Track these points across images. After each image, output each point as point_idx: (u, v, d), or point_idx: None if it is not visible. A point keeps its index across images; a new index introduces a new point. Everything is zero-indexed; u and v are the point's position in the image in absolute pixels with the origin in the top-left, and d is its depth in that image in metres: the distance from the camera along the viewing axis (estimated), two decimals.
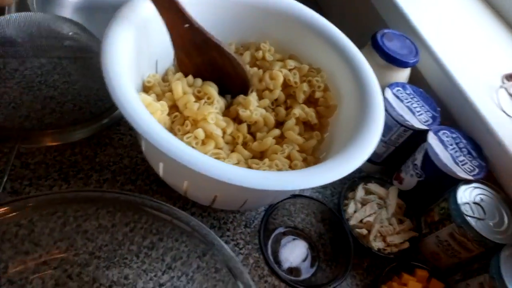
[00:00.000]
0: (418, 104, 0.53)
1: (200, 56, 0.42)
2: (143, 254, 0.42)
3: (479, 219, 0.45)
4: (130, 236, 0.42)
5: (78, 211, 0.41)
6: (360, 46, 0.51)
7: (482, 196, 0.47)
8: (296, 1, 0.49)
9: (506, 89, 0.56)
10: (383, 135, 0.53)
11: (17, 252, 0.37)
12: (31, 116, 0.46)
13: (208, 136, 0.41)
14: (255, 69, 0.47)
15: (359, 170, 0.58)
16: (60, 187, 0.44)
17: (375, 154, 0.56)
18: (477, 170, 0.49)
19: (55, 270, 0.38)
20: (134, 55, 0.39)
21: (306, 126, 0.47)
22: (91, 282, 0.39)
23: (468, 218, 0.44)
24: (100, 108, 0.48)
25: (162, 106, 0.39)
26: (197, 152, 0.32)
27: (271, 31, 0.50)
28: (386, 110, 0.51)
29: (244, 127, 0.43)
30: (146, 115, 0.32)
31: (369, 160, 0.57)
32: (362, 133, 0.39)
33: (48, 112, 0.47)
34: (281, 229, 0.49)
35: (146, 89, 0.43)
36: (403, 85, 0.55)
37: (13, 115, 0.45)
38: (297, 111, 0.45)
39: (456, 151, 0.50)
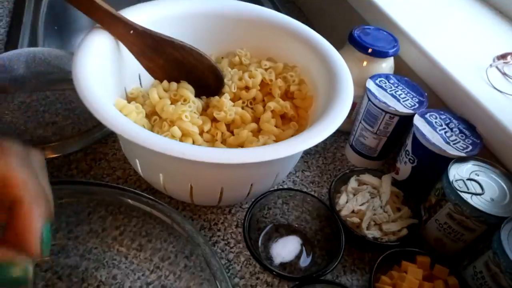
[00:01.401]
0: (403, 91, 0.53)
1: (160, 56, 0.45)
2: (132, 255, 0.43)
3: (475, 194, 0.43)
4: (120, 239, 0.44)
5: (70, 217, 0.44)
6: (341, 46, 0.53)
7: (478, 172, 0.45)
8: (265, 8, 0.52)
9: (497, 67, 0.55)
10: (371, 126, 0.53)
11: None
12: (33, 140, 0.51)
13: (186, 134, 0.43)
14: (236, 69, 0.50)
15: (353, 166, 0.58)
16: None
17: (369, 149, 0.56)
18: (470, 148, 0.47)
19: (45, 272, 0.40)
20: (112, 69, 0.43)
21: (285, 120, 0.48)
22: (80, 283, 0.40)
23: (463, 194, 0.42)
24: (94, 124, 0.51)
25: (137, 108, 0.42)
26: (155, 134, 0.33)
27: (247, 38, 0.53)
28: (369, 100, 0.52)
29: (222, 124, 0.45)
30: (108, 107, 0.35)
31: (365, 156, 0.57)
32: (330, 111, 0.39)
33: (49, 135, 0.51)
34: (273, 227, 0.48)
35: (129, 100, 0.46)
36: (386, 76, 0.55)
37: (17, 140, 0.50)
38: (271, 104, 0.46)
39: (446, 132, 0.48)
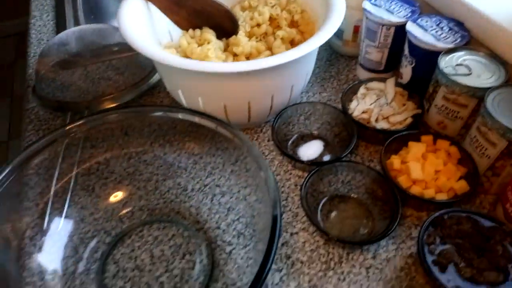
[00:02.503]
0: (396, 5, 0.60)
1: (182, 8, 0.55)
2: (190, 168, 0.54)
3: (463, 75, 0.50)
4: (178, 158, 0.55)
5: (138, 147, 0.55)
6: None
7: (466, 58, 0.52)
8: None
9: None
10: (373, 41, 0.61)
11: (100, 178, 0.52)
12: (96, 96, 0.63)
13: None
14: (246, 12, 0.59)
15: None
16: (122, 138, 0.58)
17: (375, 63, 0.64)
18: (459, 40, 0.53)
19: (127, 186, 0.52)
20: (148, 25, 0.54)
21: (294, 45, 0.57)
22: (154, 190, 0.52)
23: (452, 76, 0.50)
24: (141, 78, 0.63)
25: (172, 52, 0.52)
26: (189, 59, 0.44)
27: None
28: (366, 18, 0.60)
29: (241, 57, 0.55)
30: (151, 46, 0.45)
31: (373, 70, 0.65)
32: (325, 25, 0.48)
33: (106, 94, 0.63)
34: (298, 136, 0.58)
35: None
36: None
37: (81, 99, 0.62)
38: (280, 32, 0.55)
39: (437, 31, 0.55)
